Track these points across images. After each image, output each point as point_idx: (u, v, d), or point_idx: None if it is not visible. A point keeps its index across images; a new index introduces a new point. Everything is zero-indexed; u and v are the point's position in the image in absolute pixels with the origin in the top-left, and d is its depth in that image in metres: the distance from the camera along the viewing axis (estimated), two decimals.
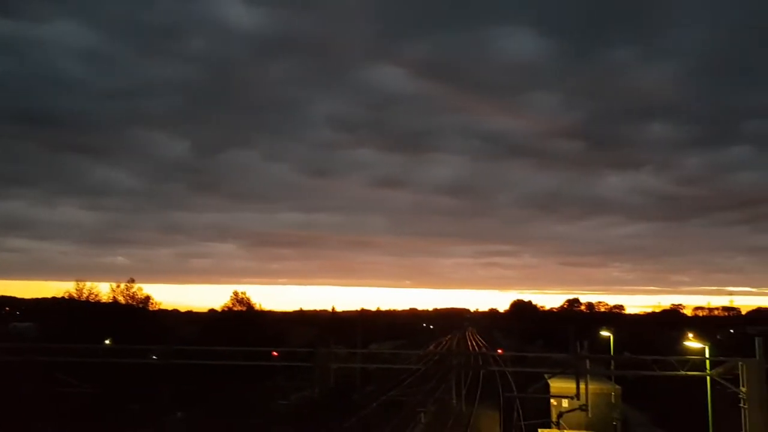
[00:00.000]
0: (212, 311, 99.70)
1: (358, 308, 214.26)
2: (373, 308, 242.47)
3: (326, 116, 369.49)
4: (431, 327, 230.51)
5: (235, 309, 74.95)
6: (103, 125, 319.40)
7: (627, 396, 48.68)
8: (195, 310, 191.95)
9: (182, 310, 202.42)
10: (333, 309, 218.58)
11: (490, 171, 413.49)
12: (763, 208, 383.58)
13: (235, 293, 76.08)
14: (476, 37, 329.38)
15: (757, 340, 23.92)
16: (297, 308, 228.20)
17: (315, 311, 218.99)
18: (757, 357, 23.20)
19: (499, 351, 74.84)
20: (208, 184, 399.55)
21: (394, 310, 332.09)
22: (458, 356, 66.75)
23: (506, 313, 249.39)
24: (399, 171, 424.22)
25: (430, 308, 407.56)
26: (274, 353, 43.30)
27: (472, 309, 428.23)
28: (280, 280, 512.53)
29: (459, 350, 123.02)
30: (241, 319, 70.08)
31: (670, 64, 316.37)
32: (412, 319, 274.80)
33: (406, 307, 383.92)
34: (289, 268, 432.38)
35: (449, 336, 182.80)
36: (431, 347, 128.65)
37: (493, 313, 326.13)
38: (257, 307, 79.26)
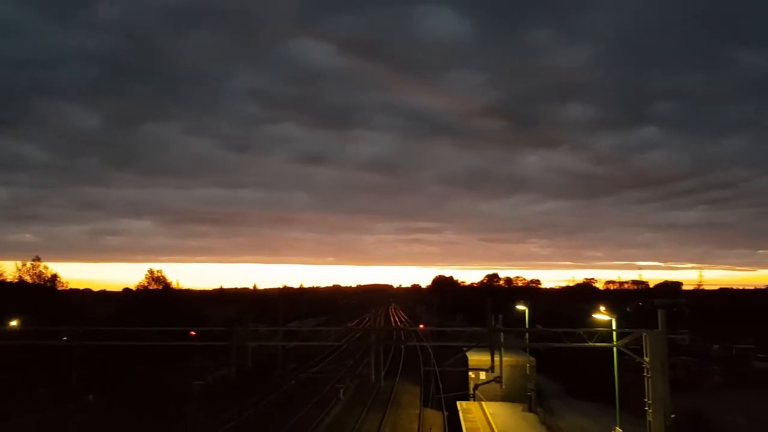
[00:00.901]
0: (127, 290, 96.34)
1: (281, 286, 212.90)
2: (296, 285, 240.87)
3: (249, 90, 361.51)
4: (354, 304, 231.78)
5: (151, 288, 72.79)
6: (10, 96, 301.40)
7: (542, 367, 50.48)
8: (109, 289, 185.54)
9: (95, 289, 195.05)
10: (255, 287, 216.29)
11: (414, 149, 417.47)
12: (670, 186, 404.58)
13: (151, 271, 73.85)
14: (401, 14, 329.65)
15: (660, 312, 25.12)
16: (217, 286, 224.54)
17: (236, 289, 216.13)
18: (660, 328, 24.37)
19: (421, 326, 75.95)
20: (124, 159, 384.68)
21: (318, 287, 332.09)
22: (379, 332, 67.24)
23: (429, 288, 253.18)
24: (323, 147, 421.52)
25: (354, 285, 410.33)
26: (192, 333, 42.25)
27: (396, 285, 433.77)
28: (199, 258, 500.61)
29: (381, 326, 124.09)
30: (157, 298, 68.20)
31: (586, 46, 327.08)
32: (335, 296, 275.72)
33: (330, 284, 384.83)
34: (209, 245, 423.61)
35: (372, 312, 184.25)
36: (354, 323, 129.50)
37: (416, 288, 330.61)
38: (174, 285, 77.33)
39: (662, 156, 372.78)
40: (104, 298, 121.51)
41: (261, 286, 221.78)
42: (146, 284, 73.53)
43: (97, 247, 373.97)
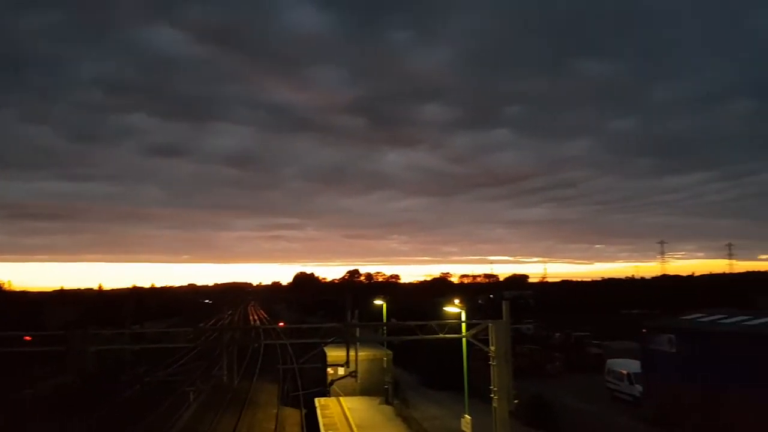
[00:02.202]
0: None
1: (130, 285, 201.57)
2: (148, 285, 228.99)
3: (96, 77, 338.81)
4: (211, 303, 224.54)
5: None
6: None
7: (399, 360, 51.62)
8: None
9: None
10: (100, 287, 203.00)
11: (275, 143, 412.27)
12: (519, 185, 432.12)
13: None
14: (263, 5, 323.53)
15: (504, 304, 26.37)
16: (58, 287, 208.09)
17: (79, 290, 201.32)
18: (504, 318, 25.58)
19: (281, 324, 74.98)
20: None
21: (172, 287, 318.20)
22: (235, 330, 65.38)
23: (290, 285, 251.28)
24: (178, 139, 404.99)
25: (211, 283, 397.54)
26: (27, 338, 38.52)
27: (255, 283, 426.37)
28: (37, 256, 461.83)
29: (239, 325, 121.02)
30: None
31: (444, 48, 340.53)
32: (190, 295, 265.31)
33: (185, 283, 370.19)
34: (49, 242, 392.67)
35: (230, 311, 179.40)
36: (210, 323, 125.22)
37: (277, 286, 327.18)
38: (5, 286, 70.52)
39: (512, 156, 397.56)
40: None
41: (108, 286, 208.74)
42: None
43: None
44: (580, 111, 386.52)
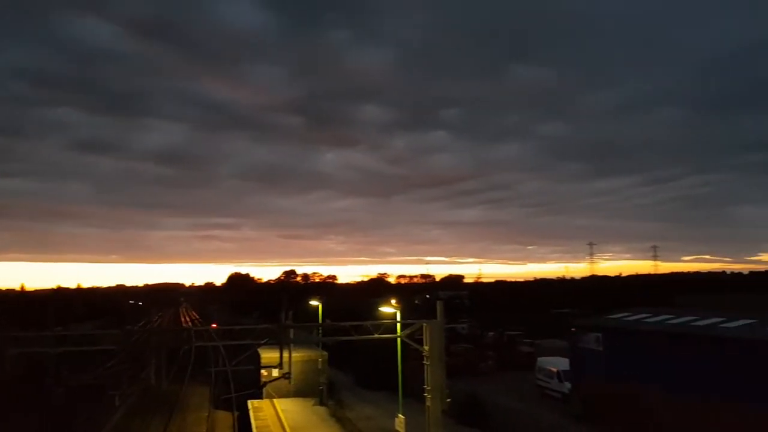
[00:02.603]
0: None
1: (55, 286, 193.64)
2: (74, 285, 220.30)
3: (17, 68, 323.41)
4: (141, 304, 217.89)
5: None
6: None
7: (335, 361, 51.37)
8: None
9: None
10: (23, 287, 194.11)
11: (209, 141, 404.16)
12: (455, 187, 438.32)
13: None
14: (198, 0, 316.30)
15: (438, 304, 26.56)
16: None
17: None
18: (438, 318, 25.75)
19: (213, 325, 73.36)
20: None
21: (99, 287, 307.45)
22: (164, 333, 63.66)
23: (224, 286, 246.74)
24: (107, 135, 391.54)
25: (141, 284, 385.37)
26: None
27: (188, 284, 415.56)
28: None
29: (169, 327, 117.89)
30: None
31: (383, 49, 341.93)
32: (119, 296, 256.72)
33: (114, 284, 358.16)
34: None
35: (161, 313, 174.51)
36: (139, 325, 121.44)
37: (210, 287, 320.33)
38: None
39: (449, 158, 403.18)
40: None
41: (31, 287, 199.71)
42: None
43: None
44: (515, 115, 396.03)
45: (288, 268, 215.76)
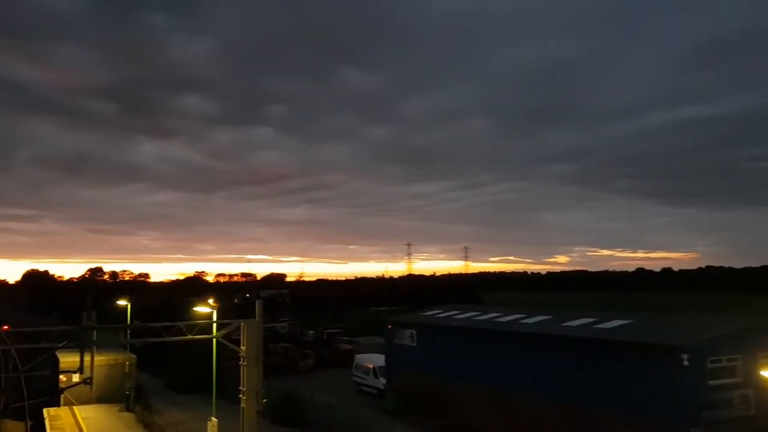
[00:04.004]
0: None
1: None
2: None
3: None
4: None
5: None
6: None
7: (145, 364, 48.48)
8: None
9: None
10: None
11: (6, 124, 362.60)
12: (280, 184, 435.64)
13: None
14: None
15: (257, 303, 26.07)
16: None
17: None
18: (257, 318, 25.26)
19: (5, 327, 66.08)
20: None
21: None
22: None
23: (18, 284, 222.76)
24: None
25: None
26: None
27: None
28: None
29: None
30: None
31: (207, 38, 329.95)
32: None
33: None
34: None
35: None
36: None
37: (2, 284, 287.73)
38: None
39: (274, 156, 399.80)
40: None
41: None
42: None
43: None
44: (341, 117, 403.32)
45: (95, 266, 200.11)
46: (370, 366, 44.96)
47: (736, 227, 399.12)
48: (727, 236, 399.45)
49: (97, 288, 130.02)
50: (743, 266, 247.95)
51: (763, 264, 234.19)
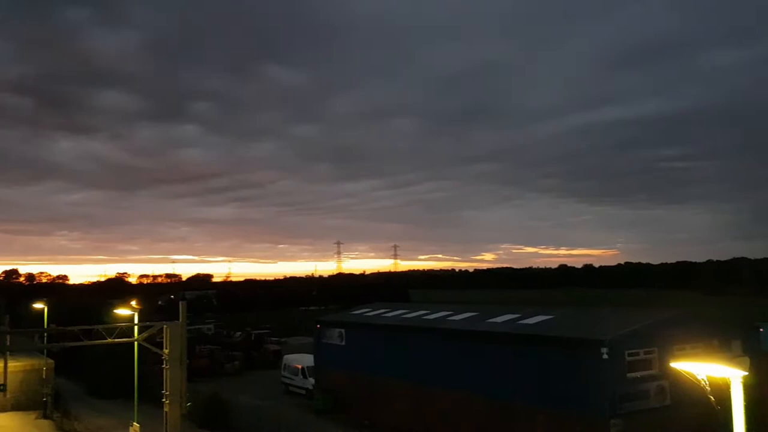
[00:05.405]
0: None
1: None
2: None
3: None
4: None
5: None
6: None
7: (63, 369, 46.64)
8: None
9: None
10: None
11: None
12: (205, 183, 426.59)
13: None
14: None
15: (181, 304, 25.64)
16: None
17: None
18: (180, 320, 24.85)
19: None
20: None
21: None
22: None
23: None
24: None
25: None
26: None
27: None
28: None
29: None
30: None
31: (127, 32, 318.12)
32: None
33: None
34: None
35: None
36: None
37: None
38: None
39: (199, 154, 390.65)
40: None
41: None
42: None
43: None
44: (268, 114, 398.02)
45: (9, 268, 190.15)
46: (299, 366, 44.82)
47: (652, 225, 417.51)
48: (644, 234, 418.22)
49: (11, 291, 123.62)
50: (659, 262, 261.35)
51: (678, 260, 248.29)
